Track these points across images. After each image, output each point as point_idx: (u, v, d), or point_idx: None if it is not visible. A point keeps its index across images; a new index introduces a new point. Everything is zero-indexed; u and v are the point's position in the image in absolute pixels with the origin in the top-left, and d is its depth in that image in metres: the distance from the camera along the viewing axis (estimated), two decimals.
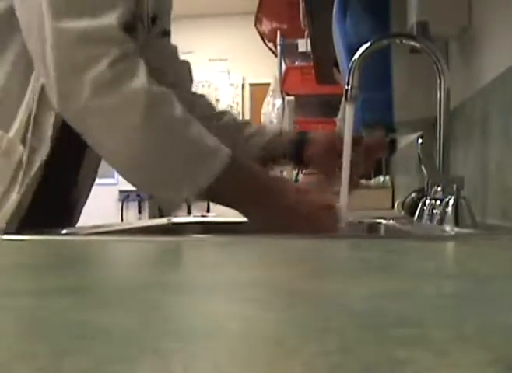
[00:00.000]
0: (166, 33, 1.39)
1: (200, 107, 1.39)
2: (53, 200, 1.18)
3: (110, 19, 0.95)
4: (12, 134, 1.09)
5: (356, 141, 1.20)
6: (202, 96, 1.48)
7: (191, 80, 1.49)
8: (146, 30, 1.25)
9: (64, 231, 0.99)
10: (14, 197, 1.07)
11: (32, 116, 1.08)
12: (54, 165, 1.10)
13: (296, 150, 1.33)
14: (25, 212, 1.09)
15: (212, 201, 1.01)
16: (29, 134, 1.08)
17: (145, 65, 0.97)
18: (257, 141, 1.36)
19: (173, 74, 1.38)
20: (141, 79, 0.94)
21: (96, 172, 1.36)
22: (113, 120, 0.93)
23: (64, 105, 0.95)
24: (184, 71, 1.47)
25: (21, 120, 1.08)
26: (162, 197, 1.00)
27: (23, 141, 1.08)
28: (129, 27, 0.99)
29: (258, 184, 1.01)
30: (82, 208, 1.37)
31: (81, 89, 0.92)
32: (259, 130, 1.40)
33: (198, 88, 7.48)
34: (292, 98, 3.60)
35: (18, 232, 1.04)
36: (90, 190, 1.39)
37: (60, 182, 1.19)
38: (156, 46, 1.33)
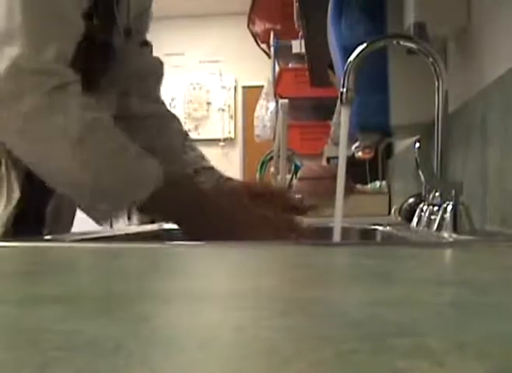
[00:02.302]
0: (145, 44, 1.42)
1: (171, 131, 1.42)
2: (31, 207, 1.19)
3: (49, 52, 0.98)
4: None
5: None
6: (175, 118, 1.49)
7: (158, 80, 1.49)
8: (122, 43, 1.29)
9: (50, 238, 0.99)
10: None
11: None
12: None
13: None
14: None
15: (152, 216, 1.11)
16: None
17: (82, 95, 1.01)
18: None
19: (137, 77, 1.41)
20: (72, 111, 0.98)
21: None
22: (45, 149, 0.99)
23: None
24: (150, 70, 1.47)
25: None
26: (95, 213, 1.04)
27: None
28: (74, 57, 1.03)
29: (196, 202, 1.06)
30: (70, 215, 1.37)
31: (14, 119, 0.96)
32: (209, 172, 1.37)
33: (188, 90, 7.48)
34: (285, 101, 3.59)
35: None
36: None
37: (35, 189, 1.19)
38: (131, 57, 1.35)
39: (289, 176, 3.83)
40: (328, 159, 3.34)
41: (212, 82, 7.61)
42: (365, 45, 1.20)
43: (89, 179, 0.98)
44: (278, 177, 3.83)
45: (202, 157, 1.40)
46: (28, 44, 0.98)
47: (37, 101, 0.96)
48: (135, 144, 1.03)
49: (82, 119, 0.98)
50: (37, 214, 1.25)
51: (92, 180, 0.99)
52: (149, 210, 1.05)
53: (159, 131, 1.39)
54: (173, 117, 1.47)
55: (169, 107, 1.51)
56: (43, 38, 1.00)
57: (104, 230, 1.31)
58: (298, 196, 2.63)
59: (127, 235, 1.27)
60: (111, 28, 1.24)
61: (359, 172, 2.87)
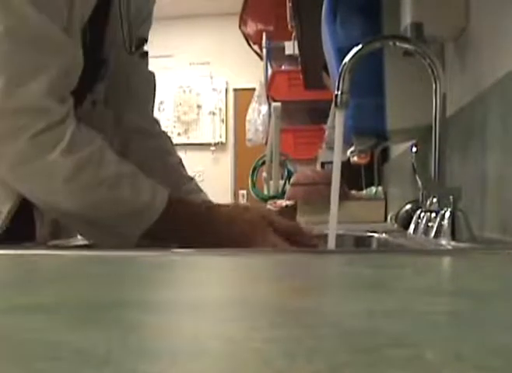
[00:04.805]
0: (144, 55, 1.36)
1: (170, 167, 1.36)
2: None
3: (38, 86, 0.92)
4: None
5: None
6: (168, 138, 1.43)
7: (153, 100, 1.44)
8: (128, 54, 1.24)
9: (37, 246, 0.99)
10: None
11: None
12: None
13: None
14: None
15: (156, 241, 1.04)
16: None
17: (72, 130, 0.96)
18: None
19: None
20: (60, 149, 0.94)
21: None
22: (36, 190, 0.97)
23: None
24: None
25: None
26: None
27: None
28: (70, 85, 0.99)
29: (199, 223, 1.04)
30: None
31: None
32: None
33: (178, 93, 7.48)
34: (278, 104, 3.59)
35: None
36: None
37: None
38: (128, 72, 1.30)
39: (281, 182, 3.83)
40: (323, 164, 3.34)
41: (203, 85, 7.61)
42: (360, 46, 1.20)
43: (86, 211, 0.98)
44: (271, 183, 3.84)
45: (199, 189, 1.35)
46: (10, 79, 0.90)
47: (22, 146, 0.92)
48: (130, 165, 1.02)
49: (69, 158, 0.94)
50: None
51: (90, 213, 0.99)
52: (161, 233, 1.02)
53: (156, 151, 1.36)
54: (167, 138, 1.42)
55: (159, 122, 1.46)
56: (29, 69, 0.92)
57: None
58: (291, 201, 2.63)
59: None
60: (102, 42, 1.18)
61: (354, 177, 2.87)
